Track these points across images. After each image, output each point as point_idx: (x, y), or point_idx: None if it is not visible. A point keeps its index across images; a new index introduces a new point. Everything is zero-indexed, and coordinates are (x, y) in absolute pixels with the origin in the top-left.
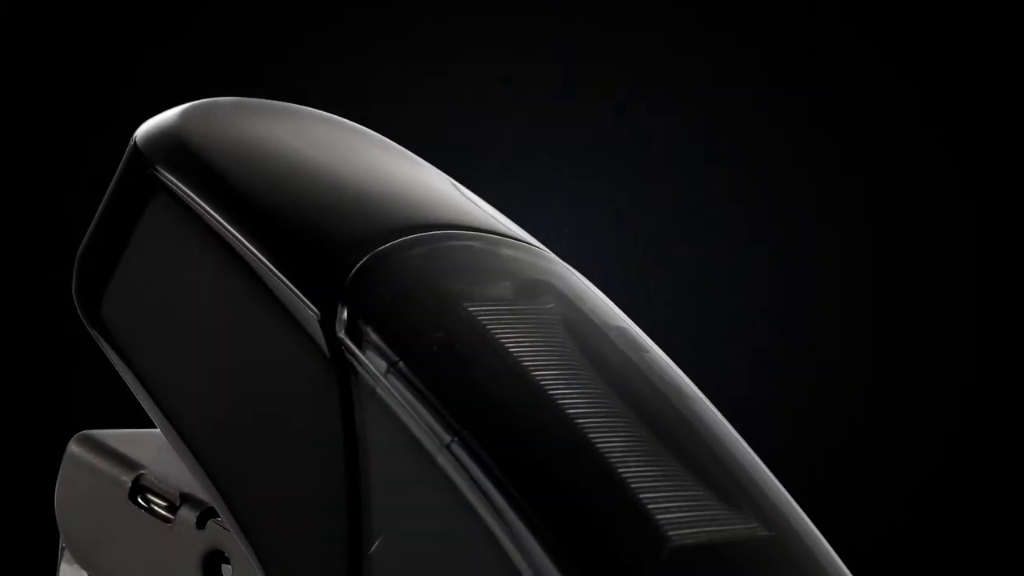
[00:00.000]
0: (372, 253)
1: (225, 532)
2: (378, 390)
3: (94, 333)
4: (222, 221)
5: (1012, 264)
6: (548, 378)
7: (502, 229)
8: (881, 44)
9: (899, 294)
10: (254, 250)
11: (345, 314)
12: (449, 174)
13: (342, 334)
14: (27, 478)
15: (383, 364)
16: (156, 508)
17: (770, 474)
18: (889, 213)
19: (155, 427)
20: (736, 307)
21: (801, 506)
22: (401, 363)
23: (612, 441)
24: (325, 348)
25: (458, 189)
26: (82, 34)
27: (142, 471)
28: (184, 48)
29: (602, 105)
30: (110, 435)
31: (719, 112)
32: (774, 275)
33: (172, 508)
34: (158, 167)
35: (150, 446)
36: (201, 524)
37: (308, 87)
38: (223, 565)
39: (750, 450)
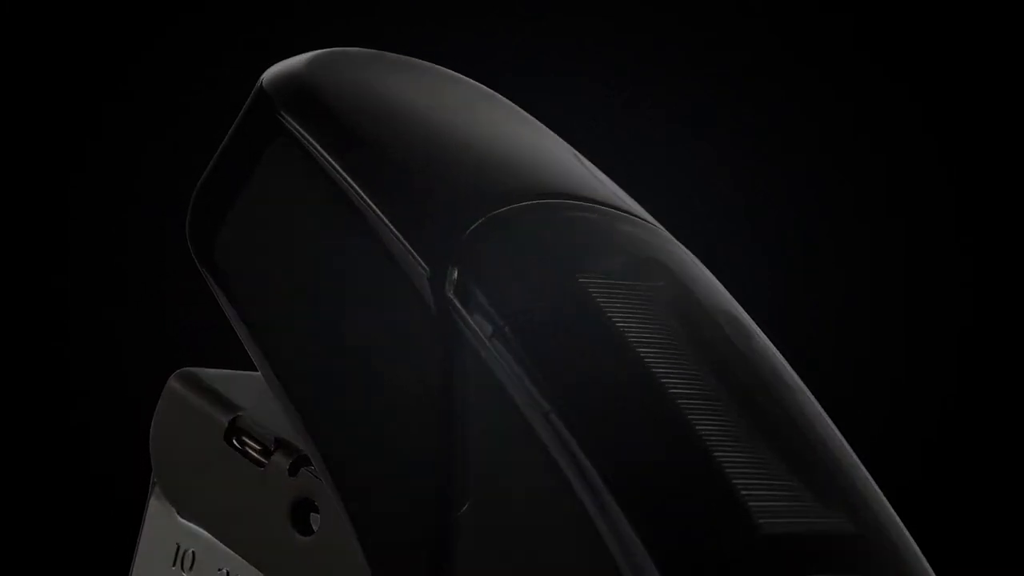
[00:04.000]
0: (488, 216)
1: (316, 481)
2: (482, 353)
3: (203, 271)
4: (341, 170)
5: (1013, 266)
6: (652, 356)
7: (620, 204)
8: (883, 45)
9: (900, 295)
10: (370, 202)
11: (456, 274)
12: None
13: (451, 294)
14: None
15: (489, 328)
16: (250, 451)
17: (868, 475)
18: (891, 214)
19: (255, 370)
20: None
21: None
22: (507, 328)
23: (711, 425)
24: (433, 307)
25: (580, 160)
26: (79, 32)
27: (239, 413)
28: (182, 47)
29: (602, 105)
30: (211, 374)
31: (719, 112)
32: (774, 275)
33: (266, 452)
34: (282, 111)
35: (249, 389)
36: (293, 471)
37: None
38: (312, 514)
39: (849, 448)
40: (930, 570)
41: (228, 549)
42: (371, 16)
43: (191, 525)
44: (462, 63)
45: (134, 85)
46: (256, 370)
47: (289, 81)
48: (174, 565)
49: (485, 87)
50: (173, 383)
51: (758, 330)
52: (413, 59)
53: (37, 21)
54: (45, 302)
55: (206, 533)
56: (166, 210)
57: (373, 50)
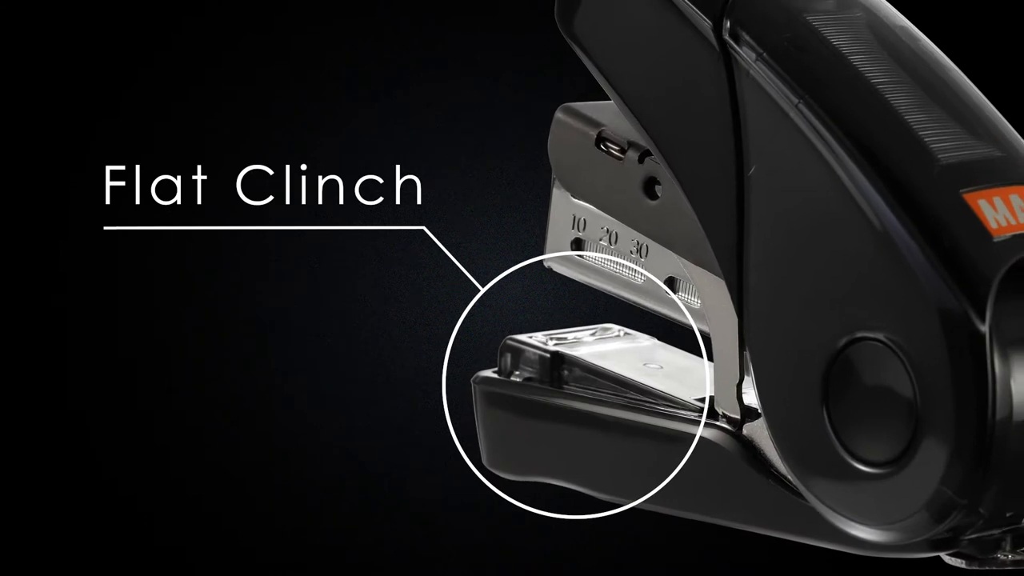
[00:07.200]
0: None
1: (657, 164)
2: (751, 72)
3: (568, 41)
4: None
5: None
6: (858, 60)
7: None
8: None
9: None
10: None
11: (728, 24)
12: (448, 176)
13: (726, 37)
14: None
15: (753, 55)
16: (612, 150)
17: (1005, 120)
18: None
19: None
20: None
21: None
22: (765, 54)
23: (904, 100)
24: (716, 46)
25: None
26: (82, 29)
27: (603, 127)
28: (185, 45)
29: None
30: (581, 105)
31: None
32: None
33: (622, 150)
34: None
35: (608, 111)
36: (641, 160)
37: (311, 81)
38: (656, 186)
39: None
40: None
41: (604, 213)
42: (377, 13)
43: (580, 202)
44: (462, 62)
45: (133, 85)
46: (609, 100)
47: None
48: (573, 228)
49: None
50: (559, 115)
51: (918, 32)
52: None
53: (33, 18)
54: (44, 302)
55: (590, 205)
56: (165, 209)
57: None
